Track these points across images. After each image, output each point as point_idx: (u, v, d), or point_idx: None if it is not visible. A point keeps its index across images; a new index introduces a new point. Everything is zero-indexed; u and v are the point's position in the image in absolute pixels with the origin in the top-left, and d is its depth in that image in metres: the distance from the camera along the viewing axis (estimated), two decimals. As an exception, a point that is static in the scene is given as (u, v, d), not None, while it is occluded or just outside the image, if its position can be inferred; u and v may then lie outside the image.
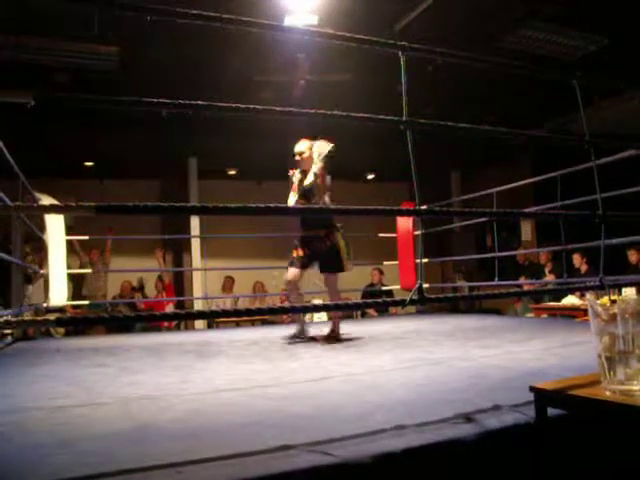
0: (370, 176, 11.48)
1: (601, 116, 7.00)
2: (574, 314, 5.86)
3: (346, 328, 5.46)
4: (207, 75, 6.40)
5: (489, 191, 6.27)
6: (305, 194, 4.32)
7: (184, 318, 5.71)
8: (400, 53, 2.45)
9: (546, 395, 1.72)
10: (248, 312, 3.61)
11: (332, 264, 4.36)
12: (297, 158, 4.39)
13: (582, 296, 6.04)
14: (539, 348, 3.46)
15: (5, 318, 3.82)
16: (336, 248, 4.30)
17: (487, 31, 5.84)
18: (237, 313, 3.30)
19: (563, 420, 1.75)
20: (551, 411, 1.72)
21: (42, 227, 5.67)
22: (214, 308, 8.97)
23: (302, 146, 4.42)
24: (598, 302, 1.71)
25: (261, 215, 2.15)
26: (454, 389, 2.27)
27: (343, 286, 8.51)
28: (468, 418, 1.76)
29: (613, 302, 1.68)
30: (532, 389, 1.75)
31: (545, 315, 6.55)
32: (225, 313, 3.12)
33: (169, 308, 8.42)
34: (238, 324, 7.71)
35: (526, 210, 3.71)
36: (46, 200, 5.56)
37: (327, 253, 4.30)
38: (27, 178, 5.07)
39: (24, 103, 1.82)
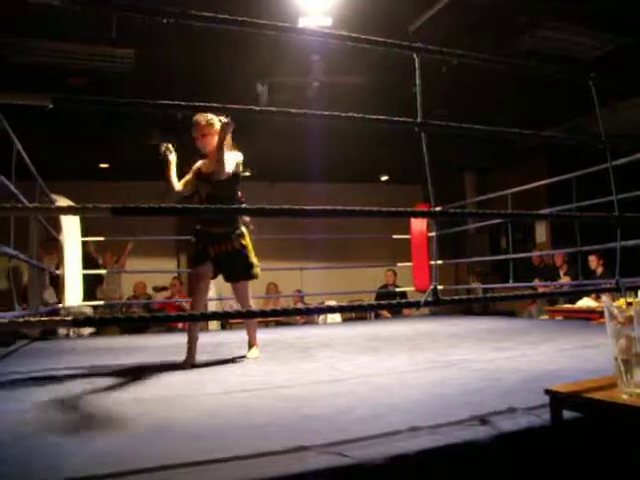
0: (384, 177, 11.47)
1: (618, 117, 6.94)
2: (590, 316, 5.81)
3: (360, 329, 5.47)
4: (221, 76, 6.42)
5: (504, 192, 6.24)
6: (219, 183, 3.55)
7: (199, 319, 5.73)
8: (415, 55, 2.45)
9: (562, 398, 1.71)
10: (263, 313, 3.62)
11: (242, 270, 3.64)
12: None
13: (598, 298, 5.99)
14: (554, 350, 3.44)
15: (25, 318, 3.86)
16: (246, 251, 3.62)
17: (502, 31, 5.81)
18: (251, 314, 3.31)
19: (579, 423, 1.74)
20: (567, 414, 1.71)
21: (58, 228, 5.73)
22: (227, 309, 9.00)
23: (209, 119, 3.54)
24: (614, 304, 1.70)
25: (274, 216, 2.16)
26: (468, 391, 2.26)
27: (357, 287, 8.59)
28: (483, 420, 1.75)
29: (629, 304, 1.67)
30: (547, 392, 1.74)
31: (560, 317, 6.50)
32: (239, 314, 3.13)
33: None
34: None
35: (541, 212, 3.69)
36: (62, 202, 5.62)
37: (235, 257, 3.60)
38: (43, 180, 5.13)
39: (42, 106, 1.84)
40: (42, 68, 5.97)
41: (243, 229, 3.63)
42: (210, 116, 3.51)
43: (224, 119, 3.41)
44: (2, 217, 3.15)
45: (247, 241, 3.65)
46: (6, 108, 2.87)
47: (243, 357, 3.59)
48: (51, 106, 1.87)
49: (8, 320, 1.90)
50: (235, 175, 3.61)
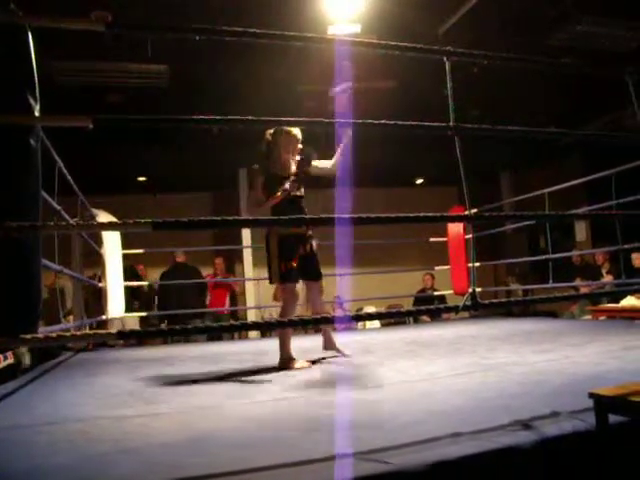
0: (419, 180, 11.42)
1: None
2: (634, 316, 5.67)
3: (398, 334, 5.44)
4: (252, 86, 6.49)
5: (540, 192, 6.15)
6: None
7: (240, 329, 5.81)
8: (445, 58, 2.45)
9: (607, 401, 1.68)
10: (302, 322, 3.65)
11: (319, 269, 3.83)
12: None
13: (642, 297, 5.85)
14: (598, 352, 3.37)
15: (71, 332, 3.97)
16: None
17: (535, 28, 5.73)
18: (291, 324, 3.34)
19: (625, 427, 1.71)
20: (612, 418, 1.69)
21: (99, 242, 5.88)
22: (267, 317, 9.06)
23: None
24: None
25: (311, 226, 2.18)
26: (510, 395, 2.24)
27: (395, 292, 8.55)
28: (525, 425, 1.73)
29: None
30: (592, 395, 1.71)
31: (603, 317, 6.36)
32: (280, 324, 3.15)
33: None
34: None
35: (579, 211, 3.64)
36: (103, 216, 5.77)
37: (315, 256, 3.79)
38: (83, 194, 5.27)
39: (83, 127, 1.91)
40: (81, 88, 6.14)
41: None
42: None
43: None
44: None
45: None
46: (48, 127, 2.98)
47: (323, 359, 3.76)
48: (91, 126, 1.94)
49: (56, 334, 1.96)
50: None
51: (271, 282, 3.70)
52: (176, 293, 7.61)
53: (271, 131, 3.80)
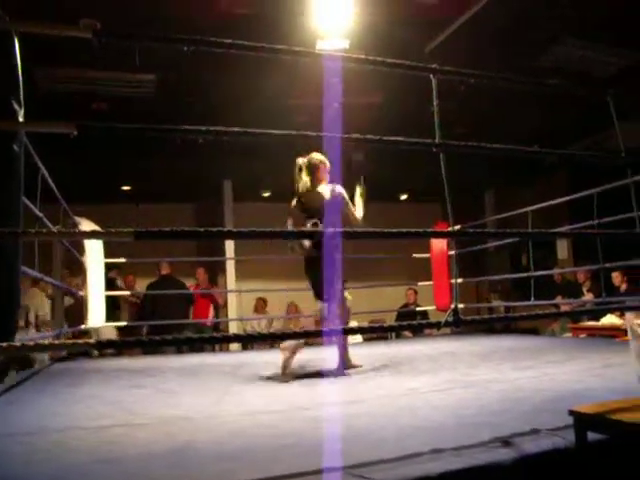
0: (403, 196, 11.46)
1: (638, 132, 6.88)
2: (614, 334, 5.72)
3: (381, 349, 5.44)
4: (242, 99, 6.50)
5: (524, 210, 6.21)
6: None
7: (221, 341, 5.78)
8: (431, 76, 2.47)
9: (586, 419, 1.69)
10: (282, 336, 3.64)
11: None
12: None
13: (622, 315, 5.89)
14: (578, 369, 3.39)
15: (49, 341, 3.91)
16: None
17: (521, 49, 5.82)
18: (273, 336, 3.32)
19: (604, 445, 1.71)
20: (592, 436, 1.69)
21: (81, 250, 5.82)
22: (249, 329, 9.01)
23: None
24: (638, 322, 1.68)
25: (296, 239, 2.17)
26: (491, 412, 2.24)
27: (378, 306, 8.54)
28: (505, 442, 1.73)
29: (654, 322, 1.65)
30: (572, 413, 1.72)
31: (584, 335, 6.40)
32: (261, 336, 3.13)
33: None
34: (272, 345, 7.73)
35: (561, 230, 3.67)
36: (85, 224, 5.71)
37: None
38: (67, 202, 5.22)
39: (67, 133, 1.89)
40: (66, 95, 6.10)
41: None
42: None
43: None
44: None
45: None
46: (32, 134, 2.95)
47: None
48: (75, 133, 1.92)
49: (34, 343, 1.93)
50: None
51: (328, 300, 3.72)
52: (165, 307, 7.59)
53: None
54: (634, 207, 2.95)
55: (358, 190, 4.07)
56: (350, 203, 3.93)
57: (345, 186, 3.96)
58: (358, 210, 3.99)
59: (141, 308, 8.34)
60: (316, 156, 3.97)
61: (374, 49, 5.15)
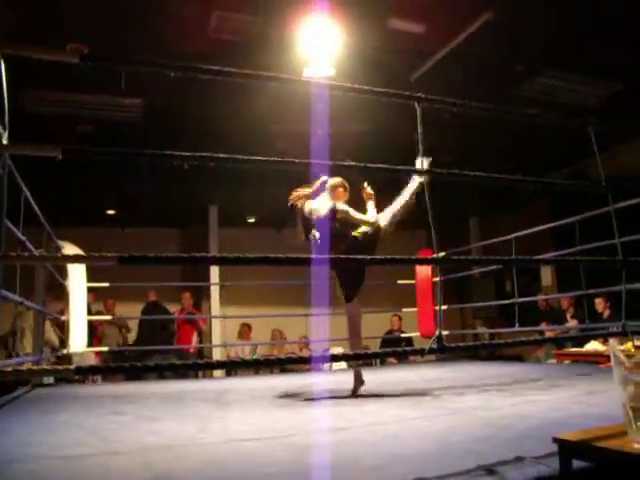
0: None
1: (618, 160, 7.00)
2: (598, 360, 5.74)
3: (365, 376, 5.39)
4: (226, 125, 6.53)
5: (508, 237, 6.26)
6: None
7: (204, 368, 5.70)
8: (416, 104, 2.51)
9: (570, 446, 1.68)
10: (267, 362, 3.60)
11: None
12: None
13: (606, 342, 5.92)
14: (562, 396, 3.39)
15: (28, 367, 3.84)
16: None
17: (503, 80, 5.93)
18: (257, 363, 3.29)
19: (589, 473, 1.70)
20: (576, 463, 1.68)
21: (64, 274, 5.75)
22: (233, 356, 8.93)
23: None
24: (621, 348, 1.68)
25: (280, 265, 2.17)
26: (475, 439, 2.23)
27: (363, 333, 8.49)
28: (490, 470, 1.72)
29: (637, 348, 1.66)
30: (556, 440, 1.71)
31: (568, 361, 6.42)
32: (245, 363, 3.11)
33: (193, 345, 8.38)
34: (257, 372, 7.67)
35: (544, 257, 3.70)
36: (69, 248, 5.66)
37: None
38: (50, 226, 5.17)
39: (52, 157, 1.88)
40: (52, 117, 6.10)
41: None
42: None
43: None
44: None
45: None
46: (16, 156, 2.94)
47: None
48: (60, 157, 1.91)
49: (12, 369, 1.89)
50: None
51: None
52: (156, 334, 7.58)
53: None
54: (615, 234, 2.99)
55: (364, 193, 4.32)
56: (351, 210, 4.04)
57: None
58: (370, 212, 4.21)
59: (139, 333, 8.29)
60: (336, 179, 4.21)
61: (361, 77, 5.23)
